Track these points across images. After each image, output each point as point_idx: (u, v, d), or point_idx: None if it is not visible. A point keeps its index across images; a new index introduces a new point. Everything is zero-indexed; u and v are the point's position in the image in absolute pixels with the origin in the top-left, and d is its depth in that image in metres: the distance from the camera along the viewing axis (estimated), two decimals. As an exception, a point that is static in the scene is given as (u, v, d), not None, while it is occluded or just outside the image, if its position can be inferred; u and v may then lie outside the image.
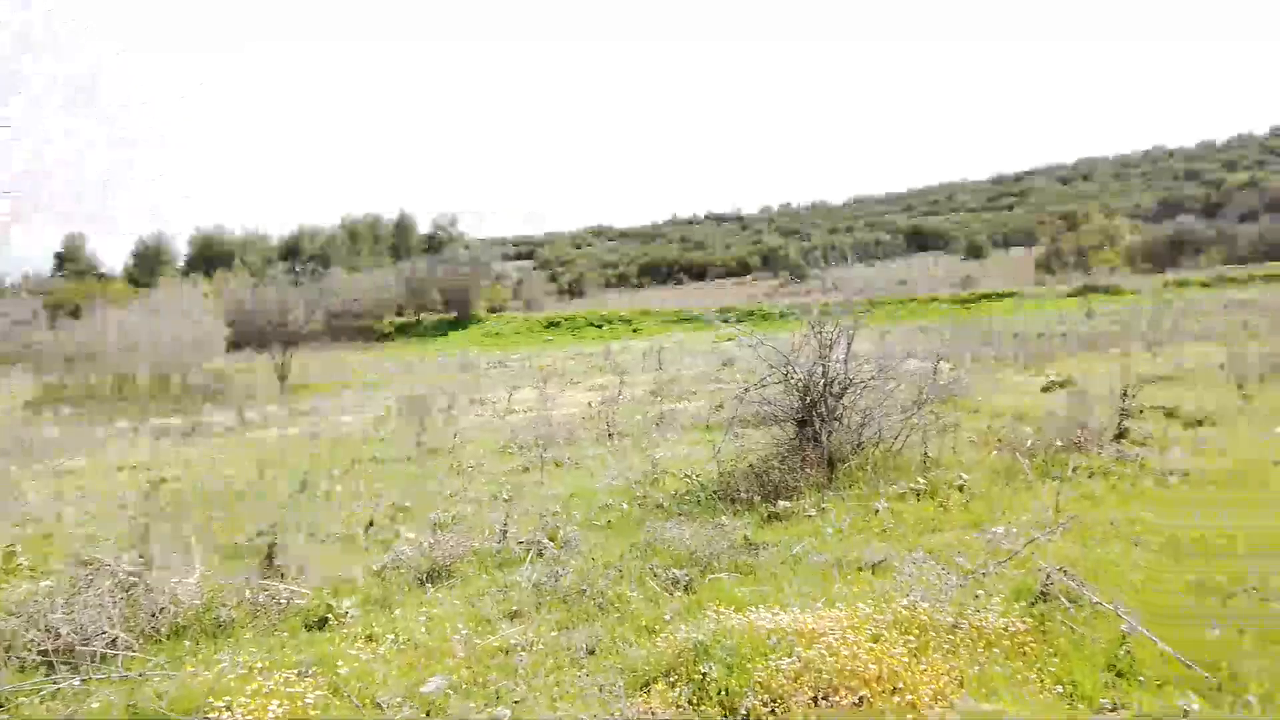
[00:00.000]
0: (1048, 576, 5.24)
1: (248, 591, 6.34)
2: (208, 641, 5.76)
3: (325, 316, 55.03)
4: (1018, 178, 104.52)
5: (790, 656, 4.34)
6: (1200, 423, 10.43)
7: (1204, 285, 37.33)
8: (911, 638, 4.56)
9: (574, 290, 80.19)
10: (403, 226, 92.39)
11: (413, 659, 5.19)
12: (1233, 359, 14.49)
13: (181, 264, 74.91)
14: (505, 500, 8.33)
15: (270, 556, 7.04)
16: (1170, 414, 10.98)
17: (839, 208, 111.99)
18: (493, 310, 64.35)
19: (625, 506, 8.93)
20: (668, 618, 5.38)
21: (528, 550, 7.18)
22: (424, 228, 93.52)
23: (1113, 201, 74.78)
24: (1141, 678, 4.27)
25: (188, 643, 5.74)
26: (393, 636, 5.57)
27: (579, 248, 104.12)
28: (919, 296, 46.93)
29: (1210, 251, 51.10)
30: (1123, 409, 9.85)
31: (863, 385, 10.11)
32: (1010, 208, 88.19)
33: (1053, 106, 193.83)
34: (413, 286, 63.92)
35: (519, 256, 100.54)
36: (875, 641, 4.46)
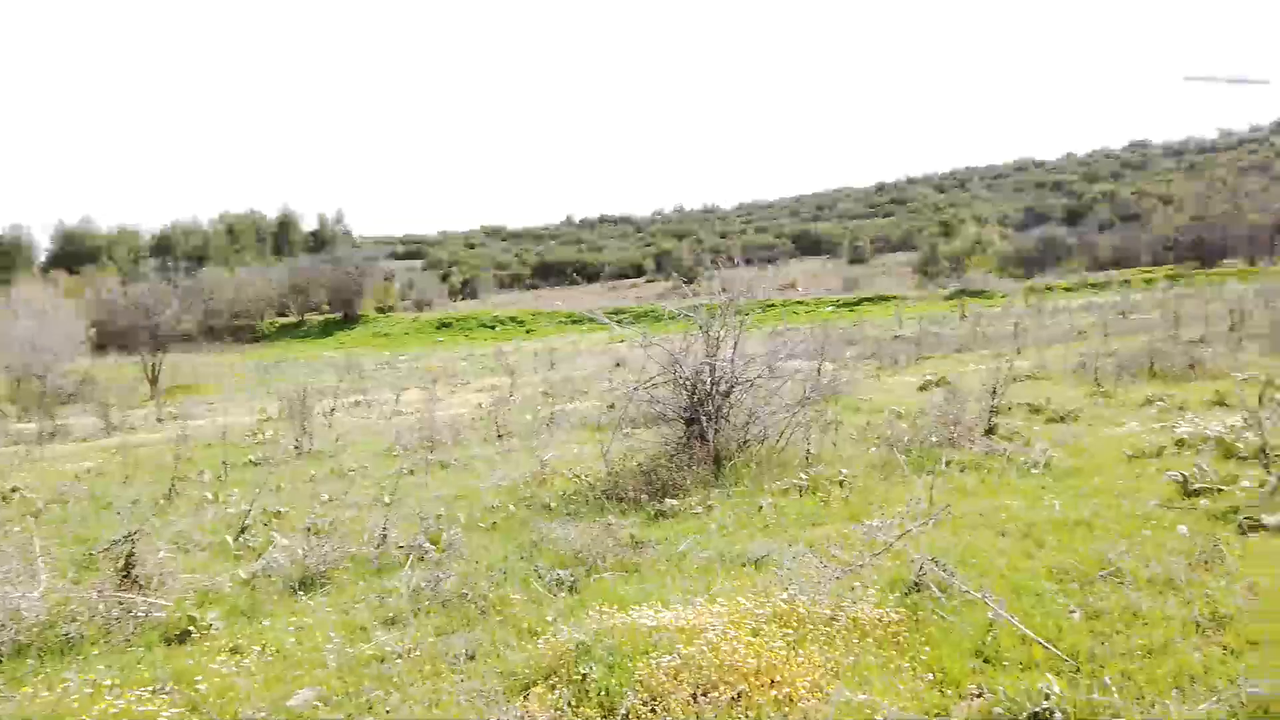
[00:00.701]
0: (920, 567, 5.40)
1: (101, 605, 5.93)
2: (53, 660, 5.34)
3: (201, 316, 52.54)
4: (898, 186, 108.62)
5: (671, 654, 4.32)
6: (1062, 418, 11.01)
7: (1066, 290, 39.59)
8: (790, 631, 4.61)
9: (466, 291, 78.96)
10: (286, 223, 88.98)
11: (280, 671, 4.93)
12: (1091, 358, 15.37)
13: (42, 261, 70.19)
14: (386, 504, 8.06)
15: (128, 566, 6.59)
16: (1035, 410, 11.55)
17: (730, 212, 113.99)
18: (381, 310, 62.71)
19: (512, 508, 8.78)
20: (550, 619, 5.28)
21: (408, 555, 6.96)
22: (309, 225, 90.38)
23: (985, 210, 78.57)
24: (1006, 662, 4.42)
25: (31, 662, 5.31)
26: (259, 648, 5.29)
27: (471, 248, 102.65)
28: (806, 299, 48.20)
29: (1072, 258, 54.27)
30: (992, 406, 10.30)
31: (749, 384, 10.26)
32: (891, 215, 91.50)
33: (931, 118, 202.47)
34: (297, 286, 61.65)
35: (408, 256, 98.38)
36: (755, 636, 4.49)
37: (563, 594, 5.88)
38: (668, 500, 8.36)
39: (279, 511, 9.24)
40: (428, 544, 7.15)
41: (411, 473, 11.34)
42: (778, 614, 4.83)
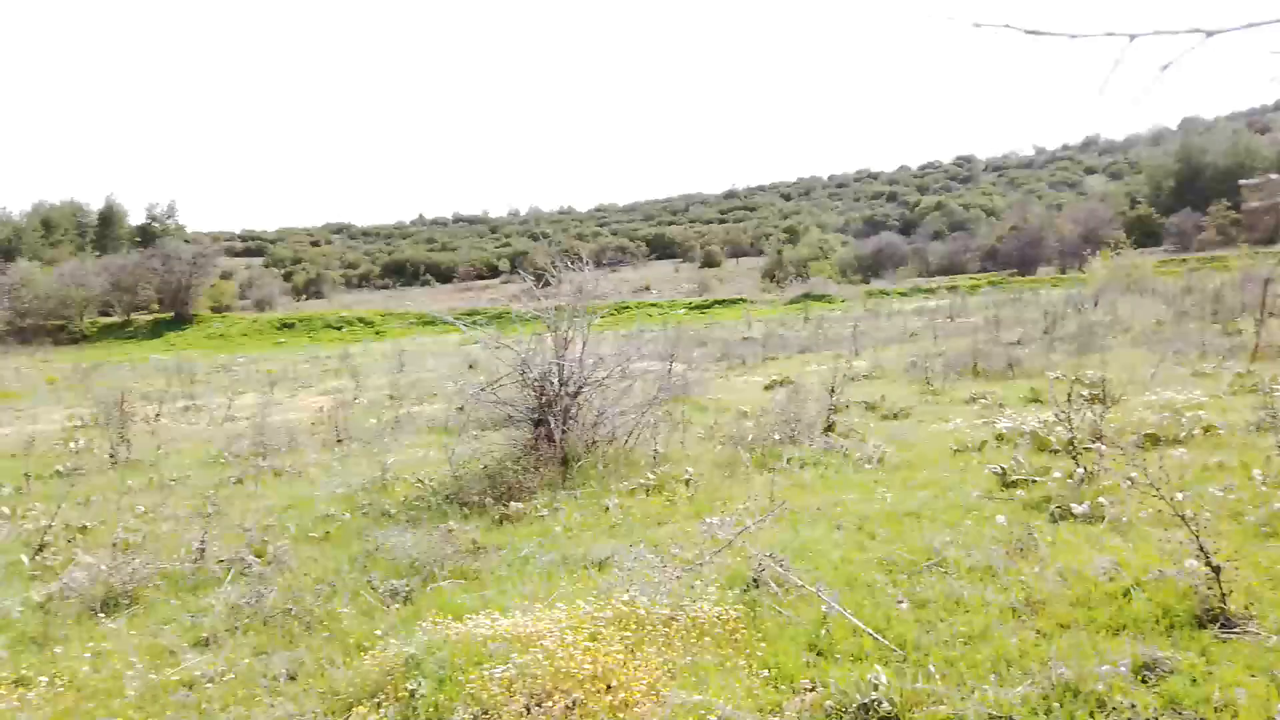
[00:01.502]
0: (759, 563, 5.45)
1: None
2: None
3: (10, 315, 48.13)
4: (748, 193, 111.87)
5: (506, 664, 4.16)
6: (895, 415, 11.51)
7: (901, 294, 41.76)
8: (629, 633, 4.53)
9: (311, 290, 75.57)
10: (110, 216, 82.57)
11: (72, 703, 4.45)
12: (922, 359, 16.19)
13: None
14: (206, 515, 7.49)
15: (-107, 595, 5.83)
16: (870, 408, 12.03)
17: (585, 214, 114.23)
18: (217, 310, 59.18)
19: (348, 516, 8.36)
20: (380, 633, 5.01)
21: (228, 569, 6.48)
22: (136, 218, 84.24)
23: (828, 219, 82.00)
24: (839, 655, 4.50)
25: None
26: (48, 678, 4.76)
27: (316, 245, 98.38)
28: (658, 301, 48.80)
29: (906, 265, 57.41)
30: (831, 405, 10.64)
31: (598, 385, 10.20)
32: (741, 221, 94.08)
33: (779, 130, 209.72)
34: (122, 283, 57.24)
35: (248, 253, 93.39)
36: (593, 640, 4.38)
37: (396, 605, 5.60)
38: (513, 503, 8.16)
39: (85, 526, 8.44)
40: (251, 557, 6.69)
41: (240, 481, 10.65)
42: (617, 616, 4.74)
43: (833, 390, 10.91)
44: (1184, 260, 41.97)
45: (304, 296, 73.03)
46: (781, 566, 5.39)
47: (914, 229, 72.31)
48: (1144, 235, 54.94)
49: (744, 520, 6.00)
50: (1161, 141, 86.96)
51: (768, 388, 16.13)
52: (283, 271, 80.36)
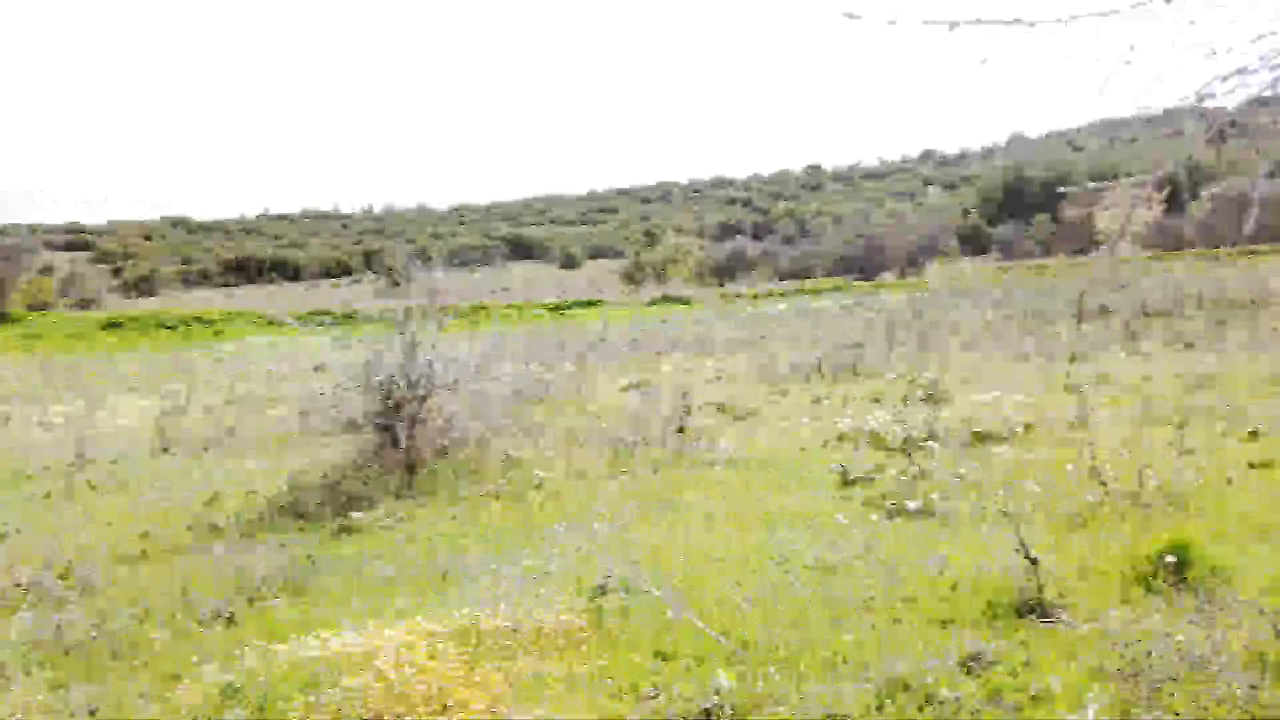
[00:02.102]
0: (606, 569, 5.39)
1: None
2: None
3: None
4: (607, 196, 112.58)
5: (335, 688, 3.92)
6: (745, 416, 11.73)
7: (754, 297, 42.91)
8: (469, 648, 4.37)
9: (142, 287, 70.67)
10: (-93, 204, 74.80)
11: None
12: (771, 360, 16.63)
13: None
14: (2, 535, 6.78)
15: None
16: (721, 409, 12.22)
17: (443, 212, 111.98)
18: (34, 308, 54.41)
19: (171, 532, 7.77)
20: (197, 660, 4.63)
21: (26, 594, 5.87)
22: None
23: (685, 222, 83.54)
24: (684, 659, 4.47)
25: None
26: None
27: (149, 239, 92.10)
28: (518, 302, 48.31)
29: (759, 269, 59.22)
30: (684, 406, 10.73)
31: (449, 388, 9.92)
32: (600, 223, 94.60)
33: (636, 134, 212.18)
34: (-79, 278, 51.80)
35: (71, 246, 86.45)
36: (431, 658, 4.20)
37: (218, 627, 5.21)
38: (354, 514, 7.80)
39: None
40: (54, 580, 6.09)
41: (48, 496, 9.74)
42: (458, 631, 4.57)
43: (684, 392, 11.02)
44: (1010, 268, 45.02)
45: (135, 294, 68.22)
46: (629, 571, 5.34)
47: (766, 234, 74.64)
48: (975, 244, 58.79)
49: (593, 525, 5.93)
50: (991, 156, 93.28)
51: (624, 390, 16.15)
52: (111, 267, 74.87)
